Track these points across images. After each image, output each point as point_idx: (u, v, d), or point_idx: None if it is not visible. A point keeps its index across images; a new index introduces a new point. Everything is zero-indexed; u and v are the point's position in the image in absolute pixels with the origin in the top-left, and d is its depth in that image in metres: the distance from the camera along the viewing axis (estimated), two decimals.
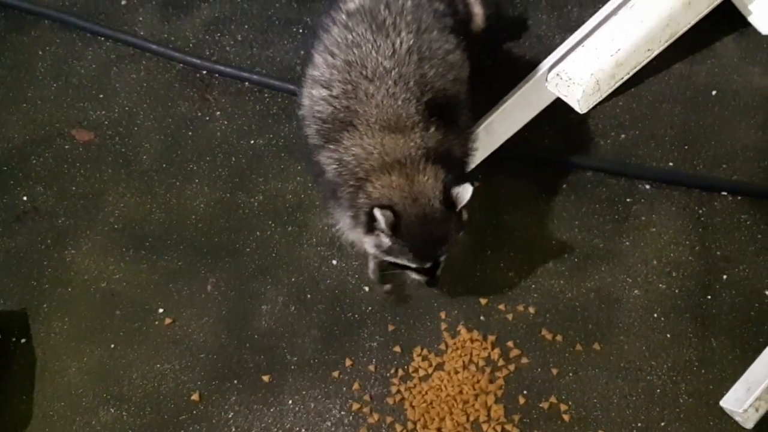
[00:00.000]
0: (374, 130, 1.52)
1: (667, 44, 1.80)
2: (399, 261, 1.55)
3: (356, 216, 1.54)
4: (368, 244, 1.54)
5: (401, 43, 1.55)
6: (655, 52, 1.79)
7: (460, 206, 1.50)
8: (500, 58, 2.01)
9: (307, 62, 1.64)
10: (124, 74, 2.07)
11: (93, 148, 1.98)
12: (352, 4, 1.61)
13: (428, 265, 1.56)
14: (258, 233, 1.86)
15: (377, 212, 1.47)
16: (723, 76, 2.00)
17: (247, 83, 2.04)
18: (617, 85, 1.75)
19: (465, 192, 1.50)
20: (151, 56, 2.09)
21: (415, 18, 1.58)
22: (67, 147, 1.98)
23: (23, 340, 1.74)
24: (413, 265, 1.56)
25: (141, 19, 2.14)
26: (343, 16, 1.60)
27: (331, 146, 1.55)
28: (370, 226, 1.51)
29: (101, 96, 2.04)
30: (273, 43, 2.10)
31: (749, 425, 1.61)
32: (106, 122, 2.01)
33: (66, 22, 2.13)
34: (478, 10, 1.82)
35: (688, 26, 1.83)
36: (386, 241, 1.51)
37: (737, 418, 1.61)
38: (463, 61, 1.63)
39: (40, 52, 2.11)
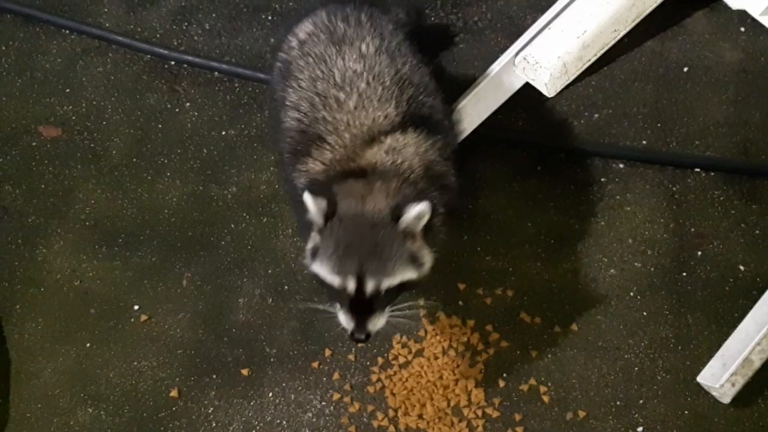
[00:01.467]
0: (344, 137, 1.45)
1: (633, 24, 1.80)
2: (320, 274, 1.37)
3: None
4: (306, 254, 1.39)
5: (368, 46, 1.52)
6: (622, 33, 1.79)
7: (402, 220, 1.31)
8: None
9: (281, 103, 1.59)
10: (91, 67, 2.03)
11: (61, 144, 1.94)
12: (302, 34, 1.59)
13: (349, 284, 1.32)
14: (232, 225, 1.84)
15: (309, 197, 1.30)
16: (694, 52, 2.00)
17: (216, 73, 2.01)
18: (585, 67, 1.75)
19: (413, 209, 1.30)
20: (118, 48, 2.05)
21: (374, 25, 1.56)
22: (34, 144, 1.94)
23: None
24: (332, 283, 1.34)
25: (106, 10, 2.10)
26: (296, 49, 1.57)
27: (302, 159, 1.49)
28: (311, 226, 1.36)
29: (68, 90, 2.00)
30: (242, 32, 2.07)
31: (726, 400, 1.63)
32: (74, 117, 1.97)
33: (29, 16, 2.08)
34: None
35: (654, 5, 1.82)
36: (316, 239, 1.36)
37: (714, 394, 1.63)
38: (427, 66, 1.60)
39: (3, 48, 2.06)
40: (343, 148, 1.46)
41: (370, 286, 1.34)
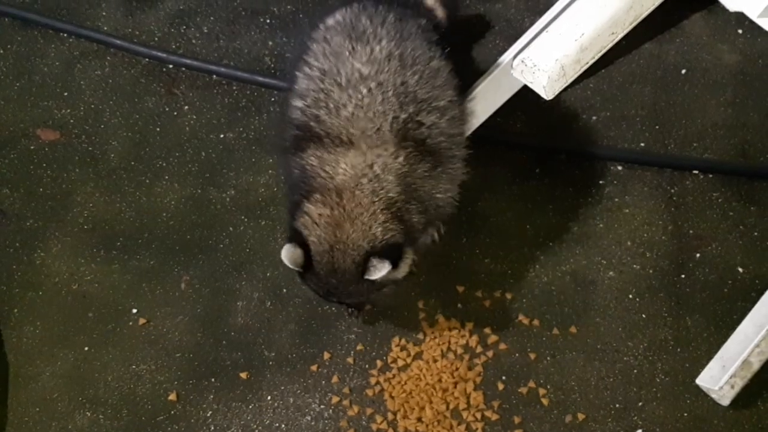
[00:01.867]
0: (335, 144, 1.43)
1: (631, 27, 1.80)
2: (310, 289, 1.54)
3: (291, 224, 1.48)
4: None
5: (381, 49, 1.47)
6: (620, 35, 1.78)
7: (367, 277, 1.40)
8: (469, 57, 1.98)
9: (292, 84, 1.58)
10: (89, 71, 2.03)
11: (59, 148, 1.94)
12: (331, 20, 1.56)
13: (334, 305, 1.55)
14: (231, 229, 1.84)
15: (286, 248, 1.41)
16: (692, 54, 2.00)
17: (214, 76, 2.01)
18: (583, 69, 1.74)
19: (377, 270, 1.38)
20: (116, 52, 2.05)
21: (397, 27, 1.51)
22: (32, 147, 1.94)
23: None
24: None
25: (104, 14, 2.10)
26: (322, 32, 1.55)
27: (299, 152, 1.49)
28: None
29: (66, 94, 2.00)
30: (240, 35, 2.07)
31: (725, 402, 1.62)
32: (72, 121, 1.97)
33: (27, 20, 2.08)
34: (440, 14, 1.79)
35: (652, 8, 1.82)
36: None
37: (713, 396, 1.63)
38: (449, 70, 1.54)
39: (1, 51, 2.06)
40: (329, 155, 1.44)
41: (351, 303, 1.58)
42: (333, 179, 1.43)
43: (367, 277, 1.41)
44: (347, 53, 1.47)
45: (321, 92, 1.48)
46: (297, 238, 1.44)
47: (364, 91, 1.44)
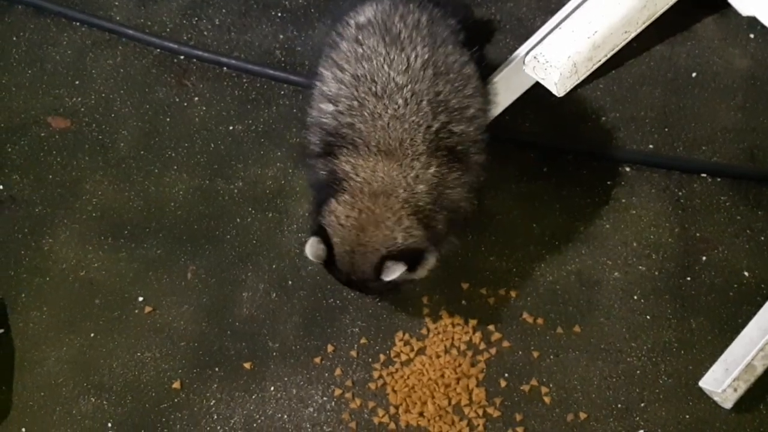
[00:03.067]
0: (371, 153, 1.44)
1: (644, 26, 1.79)
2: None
3: (315, 219, 1.51)
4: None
5: (416, 57, 1.46)
6: (633, 34, 1.78)
7: (382, 278, 1.43)
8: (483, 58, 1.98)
9: (315, 78, 1.57)
10: (101, 60, 2.04)
11: (69, 136, 1.95)
12: (362, 18, 1.54)
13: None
14: (238, 220, 1.85)
15: (310, 242, 1.44)
16: (703, 57, 2.00)
17: (225, 68, 2.02)
18: (595, 67, 1.74)
19: (390, 271, 1.42)
20: (128, 42, 2.06)
21: (431, 31, 1.50)
22: (43, 135, 1.95)
23: (1, 331, 1.72)
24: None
25: (117, 3, 2.11)
26: (353, 30, 1.52)
27: (329, 157, 1.49)
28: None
29: (77, 82, 2.01)
30: (251, 28, 2.08)
31: (728, 405, 1.62)
32: (83, 109, 1.98)
33: (40, 8, 2.09)
34: None
35: (666, 7, 1.82)
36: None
37: (716, 399, 1.63)
38: (478, 74, 1.56)
39: (14, 39, 2.07)
40: (365, 162, 1.45)
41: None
42: (369, 184, 1.45)
43: (382, 278, 1.44)
44: (382, 60, 1.46)
45: (355, 100, 1.46)
46: (322, 234, 1.46)
47: (401, 101, 1.44)
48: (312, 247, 1.45)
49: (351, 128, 1.47)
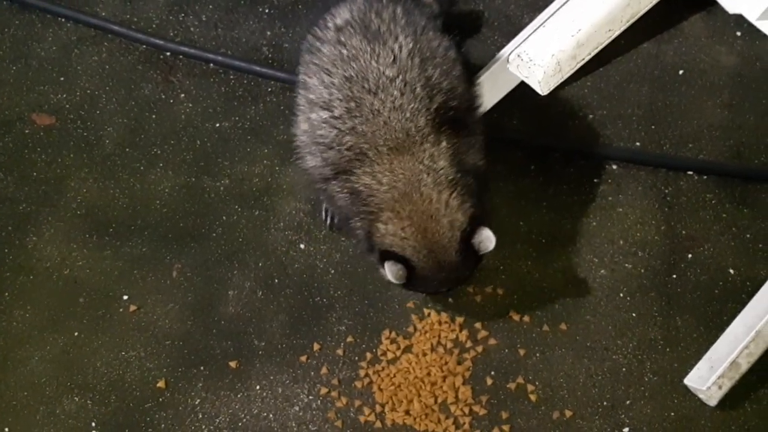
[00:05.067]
0: (383, 153, 1.45)
1: (628, 24, 1.80)
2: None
3: (371, 249, 1.51)
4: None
5: (401, 47, 1.48)
6: (617, 33, 1.79)
7: (481, 254, 1.48)
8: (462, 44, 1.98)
9: (297, 90, 1.57)
10: (86, 56, 2.03)
11: (54, 133, 1.94)
12: (339, 20, 1.54)
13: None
14: (224, 218, 1.84)
15: (387, 268, 1.45)
16: (690, 55, 2.00)
17: (212, 65, 2.01)
18: (579, 65, 1.74)
19: (488, 242, 1.46)
20: (113, 38, 2.04)
21: (409, 21, 1.52)
22: (27, 131, 1.94)
23: None
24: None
25: None
26: (333, 33, 1.53)
27: (343, 176, 1.48)
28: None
29: (62, 79, 2.00)
30: (238, 24, 2.06)
31: (713, 402, 1.63)
32: (68, 106, 1.97)
33: (25, 3, 2.07)
34: (434, 7, 1.77)
35: (649, 6, 1.82)
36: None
37: (701, 396, 1.64)
38: (460, 60, 1.59)
39: None
40: (381, 165, 1.45)
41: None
42: (396, 188, 1.45)
43: (484, 252, 1.47)
44: (369, 57, 1.47)
45: (351, 101, 1.46)
46: (392, 257, 1.46)
47: (396, 93, 1.45)
48: (392, 271, 1.46)
49: (354, 133, 1.46)
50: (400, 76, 1.46)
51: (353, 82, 1.47)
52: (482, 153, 1.58)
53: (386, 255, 1.47)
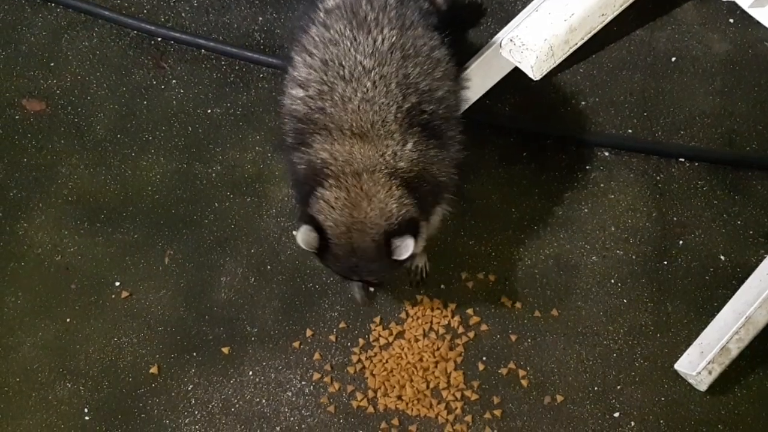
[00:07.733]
0: (346, 136, 1.44)
1: (620, 9, 1.79)
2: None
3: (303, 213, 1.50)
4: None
5: (383, 40, 1.46)
6: (610, 17, 1.78)
7: (396, 258, 1.42)
8: (466, 39, 1.97)
9: (287, 64, 1.56)
10: (76, 42, 2.01)
11: (44, 119, 1.92)
12: (331, 2, 1.53)
13: (354, 284, 1.57)
14: (216, 204, 1.83)
15: (301, 230, 1.42)
16: (683, 42, 2.00)
17: (203, 50, 1.99)
18: (571, 50, 1.74)
19: (404, 248, 1.41)
20: (104, 23, 2.03)
21: (399, 14, 1.50)
22: (17, 117, 1.92)
23: None
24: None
25: None
26: (321, 15, 1.52)
27: (303, 148, 1.48)
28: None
29: (52, 64, 1.98)
30: (230, 9, 2.05)
31: (702, 387, 1.64)
32: (58, 91, 1.95)
33: None
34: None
35: None
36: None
37: (691, 381, 1.65)
38: (449, 59, 1.55)
39: None
40: (342, 146, 1.44)
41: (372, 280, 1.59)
42: (350, 165, 1.44)
43: (396, 258, 1.43)
44: (349, 44, 1.46)
45: (324, 84, 1.46)
46: (312, 222, 1.44)
47: (369, 84, 1.44)
48: (303, 235, 1.43)
49: (322, 113, 1.46)
50: (377, 69, 1.45)
51: (329, 67, 1.46)
52: (451, 170, 1.54)
53: (306, 219, 1.45)
